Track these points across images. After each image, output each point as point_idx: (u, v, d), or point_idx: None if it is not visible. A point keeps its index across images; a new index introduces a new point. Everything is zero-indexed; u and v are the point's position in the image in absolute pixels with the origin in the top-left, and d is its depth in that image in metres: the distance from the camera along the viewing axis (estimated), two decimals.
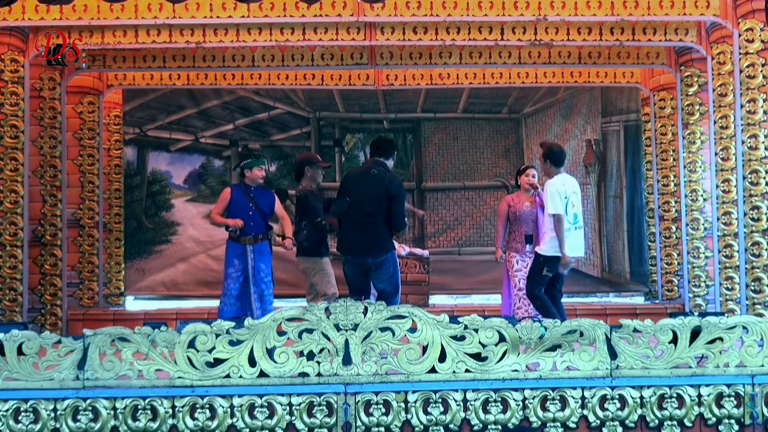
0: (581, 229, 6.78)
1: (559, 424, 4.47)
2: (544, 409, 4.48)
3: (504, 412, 4.46)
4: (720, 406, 4.51)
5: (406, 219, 6.56)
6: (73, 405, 4.39)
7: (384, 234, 6.37)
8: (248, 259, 7.00)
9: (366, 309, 4.49)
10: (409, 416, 4.46)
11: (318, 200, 7.11)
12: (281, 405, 4.43)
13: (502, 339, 4.49)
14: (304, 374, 4.46)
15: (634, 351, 4.52)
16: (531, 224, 7.27)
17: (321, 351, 4.47)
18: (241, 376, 4.44)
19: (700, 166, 8.75)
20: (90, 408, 4.39)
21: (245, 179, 7.17)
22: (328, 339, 4.47)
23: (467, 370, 4.48)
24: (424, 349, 4.50)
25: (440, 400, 4.46)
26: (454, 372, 4.47)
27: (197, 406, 4.42)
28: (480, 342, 4.49)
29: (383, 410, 4.44)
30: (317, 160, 7.34)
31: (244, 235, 7.02)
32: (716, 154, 7.70)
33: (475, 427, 4.46)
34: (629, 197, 10.18)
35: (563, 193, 6.62)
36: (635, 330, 4.53)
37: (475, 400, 4.46)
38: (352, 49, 8.64)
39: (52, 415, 4.40)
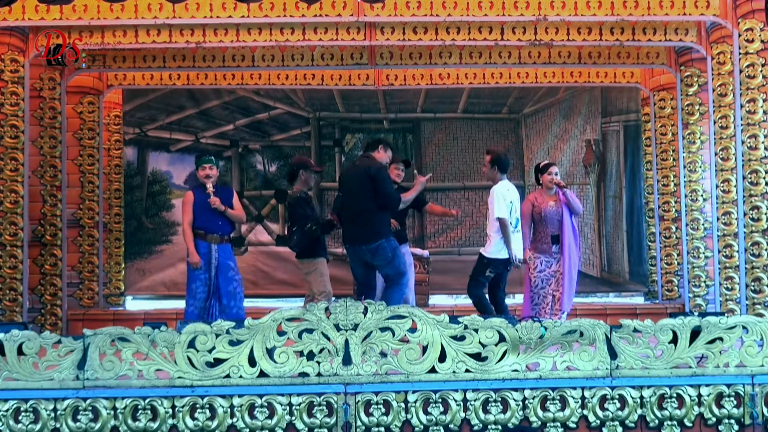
0: (520, 232, 7.07)
1: (559, 424, 4.47)
2: (544, 409, 4.48)
3: (504, 412, 4.46)
4: (720, 406, 4.51)
5: (396, 197, 6.59)
6: (73, 405, 4.40)
7: (376, 221, 6.48)
8: (212, 258, 6.87)
9: (366, 309, 4.50)
10: (409, 416, 4.46)
11: (308, 206, 7.13)
12: (281, 405, 4.44)
13: (502, 339, 4.49)
14: (304, 374, 4.46)
15: (634, 351, 4.52)
16: (557, 224, 7.18)
17: (321, 351, 4.48)
18: (241, 376, 4.44)
19: (700, 166, 8.76)
20: (90, 408, 4.40)
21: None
22: (328, 339, 4.48)
23: (467, 370, 4.48)
24: (424, 349, 4.51)
25: (440, 400, 4.46)
26: (454, 372, 4.47)
27: (197, 406, 4.42)
28: (480, 342, 4.49)
29: (383, 410, 4.45)
30: (311, 165, 7.40)
31: (211, 233, 6.90)
32: (716, 154, 7.70)
33: (475, 427, 4.46)
34: (629, 197, 10.17)
35: (508, 198, 6.94)
36: (635, 330, 4.53)
37: (475, 400, 4.47)
38: (352, 49, 8.64)
39: (52, 415, 4.40)
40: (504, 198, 6.91)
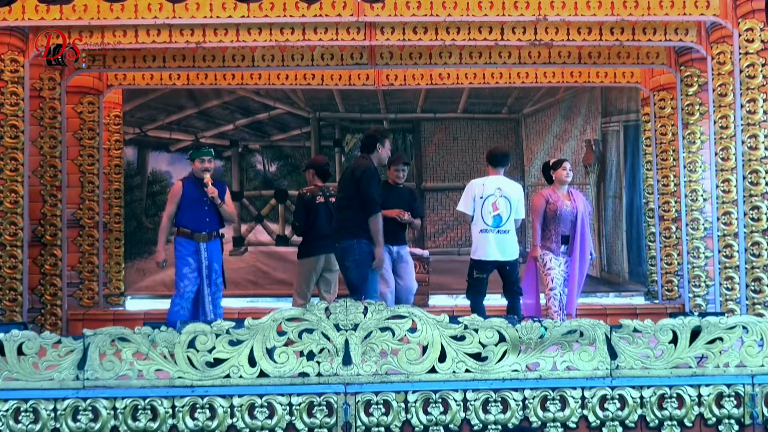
0: (507, 233, 6.82)
1: (559, 424, 4.47)
2: (544, 409, 4.48)
3: (504, 412, 4.46)
4: (720, 406, 4.51)
5: (375, 202, 6.37)
6: (73, 405, 4.40)
7: (349, 219, 6.37)
8: (202, 258, 6.70)
9: (366, 309, 4.50)
10: (409, 416, 4.46)
11: None
12: (281, 405, 4.44)
13: (502, 339, 4.49)
14: (304, 374, 4.46)
15: (634, 351, 4.52)
16: (570, 225, 7.11)
17: (321, 351, 4.48)
18: (241, 376, 4.44)
19: (700, 166, 8.75)
20: (90, 408, 4.40)
21: (192, 171, 6.90)
22: (328, 339, 4.48)
23: (467, 370, 4.48)
24: (424, 349, 4.51)
25: (440, 400, 4.46)
26: (454, 372, 4.47)
27: (197, 406, 4.42)
28: (480, 342, 4.49)
29: (383, 410, 4.45)
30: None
31: (198, 231, 6.73)
32: (716, 154, 7.70)
33: (475, 427, 4.46)
34: (628, 197, 10.18)
35: (477, 193, 6.80)
36: (635, 330, 4.53)
37: (475, 400, 4.47)
38: (352, 49, 8.63)
39: (52, 415, 4.40)
40: (474, 193, 6.81)
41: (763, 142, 7.06)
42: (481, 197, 6.79)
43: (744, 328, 4.57)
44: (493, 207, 6.79)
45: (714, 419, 4.50)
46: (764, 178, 7.06)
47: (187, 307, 6.67)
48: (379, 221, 6.32)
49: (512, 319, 4.64)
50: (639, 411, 4.50)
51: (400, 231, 7.25)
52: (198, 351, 4.43)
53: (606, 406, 4.49)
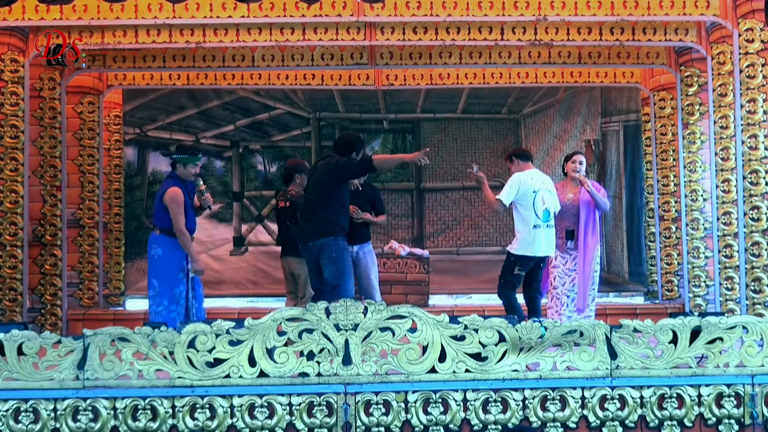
0: (551, 227, 6.74)
1: (559, 424, 4.47)
2: (544, 409, 4.49)
3: (504, 412, 4.47)
4: (720, 406, 4.51)
5: (359, 161, 6.36)
6: (73, 405, 4.40)
7: (324, 217, 6.27)
8: (188, 260, 6.53)
9: (366, 309, 4.50)
10: (409, 416, 4.46)
11: None
12: (281, 405, 4.44)
13: (502, 339, 4.49)
14: (304, 374, 4.46)
15: (634, 351, 4.53)
16: (572, 218, 6.98)
17: (321, 351, 4.48)
18: (241, 376, 4.44)
19: (700, 166, 8.75)
20: (90, 408, 4.40)
21: (176, 173, 6.57)
22: (328, 339, 4.48)
23: (467, 370, 4.48)
24: (424, 349, 4.51)
25: (440, 400, 4.47)
26: (454, 372, 4.47)
27: (197, 406, 4.42)
28: (480, 342, 4.50)
29: (383, 410, 4.45)
30: (306, 168, 7.44)
31: (192, 233, 6.59)
32: (716, 154, 7.70)
33: (475, 427, 4.46)
34: (628, 197, 10.18)
35: (530, 187, 6.60)
36: (635, 330, 4.53)
37: (475, 400, 4.47)
38: (352, 49, 8.63)
39: (52, 415, 4.40)
40: (521, 182, 6.59)
41: (763, 142, 7.06)
42: (534, 191, 6.61)
43: (744, 328, 4.57)
44: (542, 201, 6.65)
45: (714, 419, 4.50)
46: (764, 178, 7.06)
47: (182, 312, 6.46)
48: (381, 159, 6.64)
49: (512, 319, 4.64)
50: (639, 411, 4.50)
51: (359, 228, 6.97)
52: (198, 351, 4.44)
53: (606, 406, 4.50)
